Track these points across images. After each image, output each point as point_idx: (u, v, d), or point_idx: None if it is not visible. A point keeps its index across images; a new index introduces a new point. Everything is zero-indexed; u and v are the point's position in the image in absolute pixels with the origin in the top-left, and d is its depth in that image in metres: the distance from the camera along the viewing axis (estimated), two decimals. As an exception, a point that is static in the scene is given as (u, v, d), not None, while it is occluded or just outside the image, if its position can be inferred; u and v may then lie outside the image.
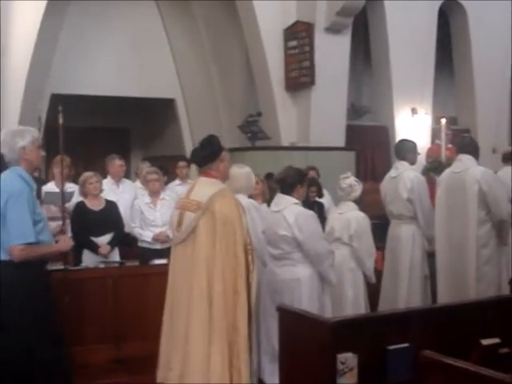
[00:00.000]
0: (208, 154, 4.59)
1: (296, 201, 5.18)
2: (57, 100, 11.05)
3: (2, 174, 4.28)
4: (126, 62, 11.83)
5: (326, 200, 7.90)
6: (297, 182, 5.23)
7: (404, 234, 6.52)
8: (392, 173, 6.71)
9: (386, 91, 11.51)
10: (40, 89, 10.67)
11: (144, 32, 12.06)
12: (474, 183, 5.88)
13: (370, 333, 3.70)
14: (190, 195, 4.59)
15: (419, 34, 11.34)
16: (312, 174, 8.18)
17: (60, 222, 5.03)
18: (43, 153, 4.39)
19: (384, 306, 6.49)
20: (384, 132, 11.61)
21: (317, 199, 7.63)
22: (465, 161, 6.08)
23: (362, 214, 6.04)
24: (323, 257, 5.13)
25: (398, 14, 11.11)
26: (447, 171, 6.33)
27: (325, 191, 7.91)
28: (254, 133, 9.93)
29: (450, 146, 10.38)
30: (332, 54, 10.25)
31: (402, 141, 7.06)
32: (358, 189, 6.06)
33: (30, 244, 4.13)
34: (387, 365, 3.65)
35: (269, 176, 7.06)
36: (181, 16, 12.36)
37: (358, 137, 11.18)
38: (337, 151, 9.99)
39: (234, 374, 4.29)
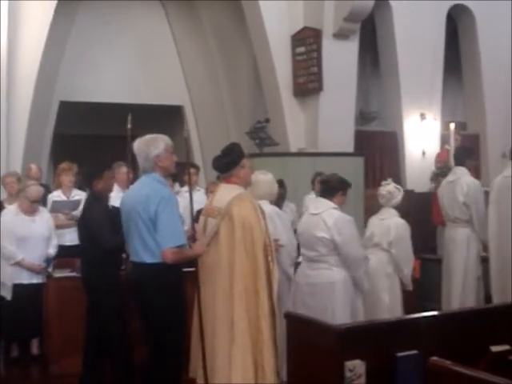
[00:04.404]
0: (229, 161, 4.77)
1: (335, 205, 5.24)
2: (65, 107, 11.12)
3: (143, 181, 4.46)
4: (133, 69, 11.86)
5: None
6: (339, 188, 5.32)
7: (459, 237, 6.86)
8: (450, 177, 7.08)
9: (394, 96, 11.47)
10: (48, 96, 10.70)
11: (152, 39, 12.08)
12: None
13: (379, 340, 3.66)
14: (212, 202, 4.82)
15: (427, 39, 11.30)
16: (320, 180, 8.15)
17: (186, 228, 5.27)
18: (175, 158, 4.53)
19: (446, 307, 6.81)
20: (393, 137, 11.56)
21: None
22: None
23: (402, 221, 6.20)
24: (360, 262, 5.22)
25: (405, 19, 11.08)
26: (500, 177, 6.64)
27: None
28: (262, 139, 9.90)
29: (459, 151, 10.34)
30: (340, 59, 10.23)
31: (461, 147, 7.60)
32: (398, 195, 6.24)
33: (181, 246, 4.29)
34: (396, 372, 3.62)
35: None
36: (189, 23, 12.38)
37: (367, 142, 11.15)
38: (345, 157, 9.92)
39: (258, 372, 4.45)
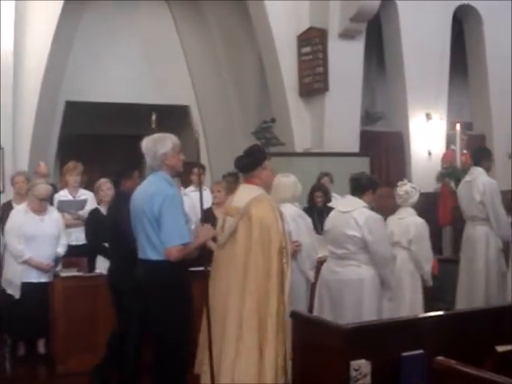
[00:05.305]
0: (251, 161, 4.84)
1: (365, 204, 5.30)
2: (71, 107, 11.14)
3: (150, 180, 4.49)
4: (139, 69, 11.86)
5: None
6: (369, 187, 5.39)
7: (478, 234, 7.08)
8: (467, 177, 7.32)
9: (400, 97, 11.44)
10: (54, 96, 10.72)
11: (158, 39, 12.08)
12: None
13: (384, 339, 3.67)
14: (232, 201, 4.88)
15: (433, 39, 11.27)
16: (326, 180, 8.16)
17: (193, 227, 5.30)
18: (182, 157, 4.53)
19: (462, 304, 6.97)
20: (398, 138, 11.54)
21: (328, 205, 7.58)
22: None
23: (420, 220, 6.35)
24: (388, 261, 5.28)
25: (411, 19, 11.05)
26: None
27: (337, 196, 7.87)
28: (268, 139, 9.92)
29: (465, 151, 10.33)
30: (346, 59, 10.23)
31: (479, 148, 7.78)
32: (414, 195, 6.41)
33: (185, 244, 4.28)
34: (401, 371, 3.62)
35: None
36: (194, 23, 12.38)
37: (373, 142, 11.13)
38: (351, 157, 9.93)
39: (261, 370, 4.47)
